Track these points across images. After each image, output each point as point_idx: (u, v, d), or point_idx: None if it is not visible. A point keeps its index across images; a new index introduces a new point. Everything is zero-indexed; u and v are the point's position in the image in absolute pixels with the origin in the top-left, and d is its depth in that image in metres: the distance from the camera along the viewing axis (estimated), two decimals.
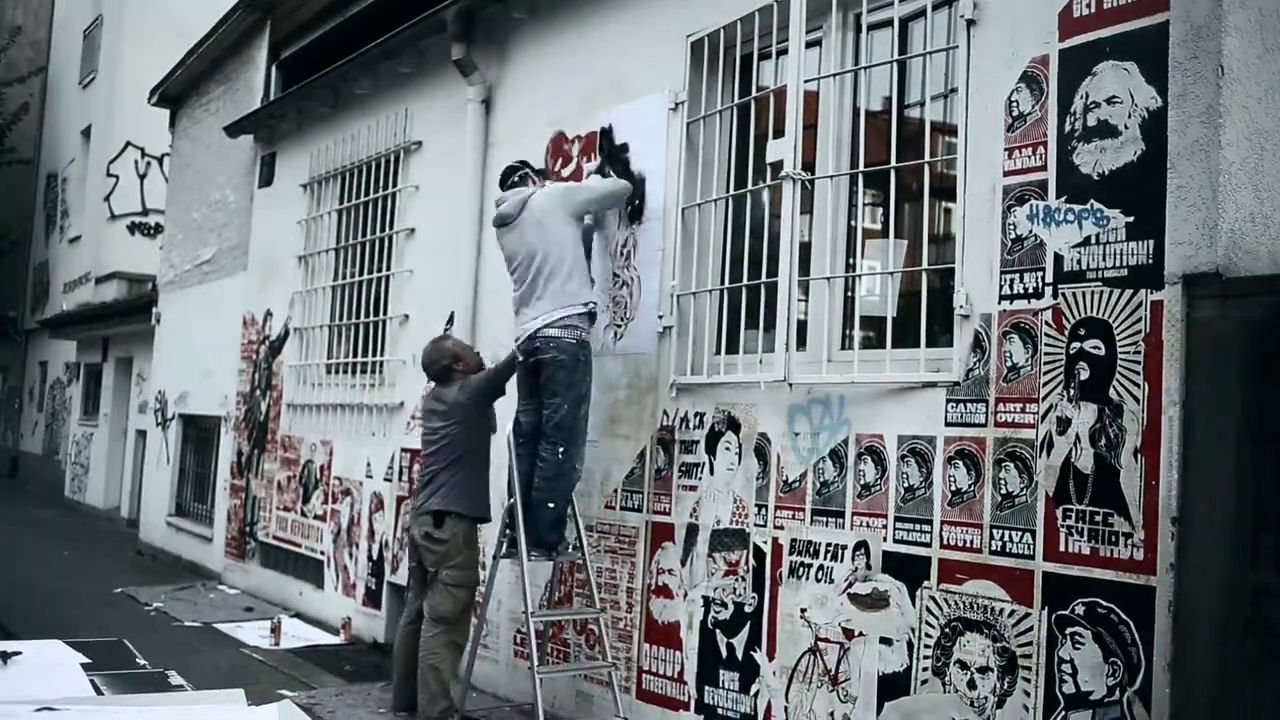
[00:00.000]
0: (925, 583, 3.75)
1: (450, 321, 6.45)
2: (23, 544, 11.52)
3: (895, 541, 3.88)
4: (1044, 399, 3.47)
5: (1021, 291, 3.57)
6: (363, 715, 5.50)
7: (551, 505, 4.89)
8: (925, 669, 3.72)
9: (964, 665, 3.61)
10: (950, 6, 3.95)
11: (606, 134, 5.46)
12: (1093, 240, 3.38)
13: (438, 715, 5.10)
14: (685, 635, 4.71)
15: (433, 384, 5.56)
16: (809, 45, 4.49)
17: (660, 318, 4.98)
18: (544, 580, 5.55)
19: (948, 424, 3.74)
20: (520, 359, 4.98)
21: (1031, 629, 3.43)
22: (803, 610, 4.18)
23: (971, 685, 3.58)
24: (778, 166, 4.46)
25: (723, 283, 4.86)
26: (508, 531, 5.10)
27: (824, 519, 4.14)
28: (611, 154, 5.41)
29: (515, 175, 5.24)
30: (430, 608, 5.22)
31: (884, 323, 4.11)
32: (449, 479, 5.24)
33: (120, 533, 13.07)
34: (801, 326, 4.42)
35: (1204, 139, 3.12)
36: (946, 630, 3.67)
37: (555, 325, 4.82)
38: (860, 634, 3.95)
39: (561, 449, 4.85)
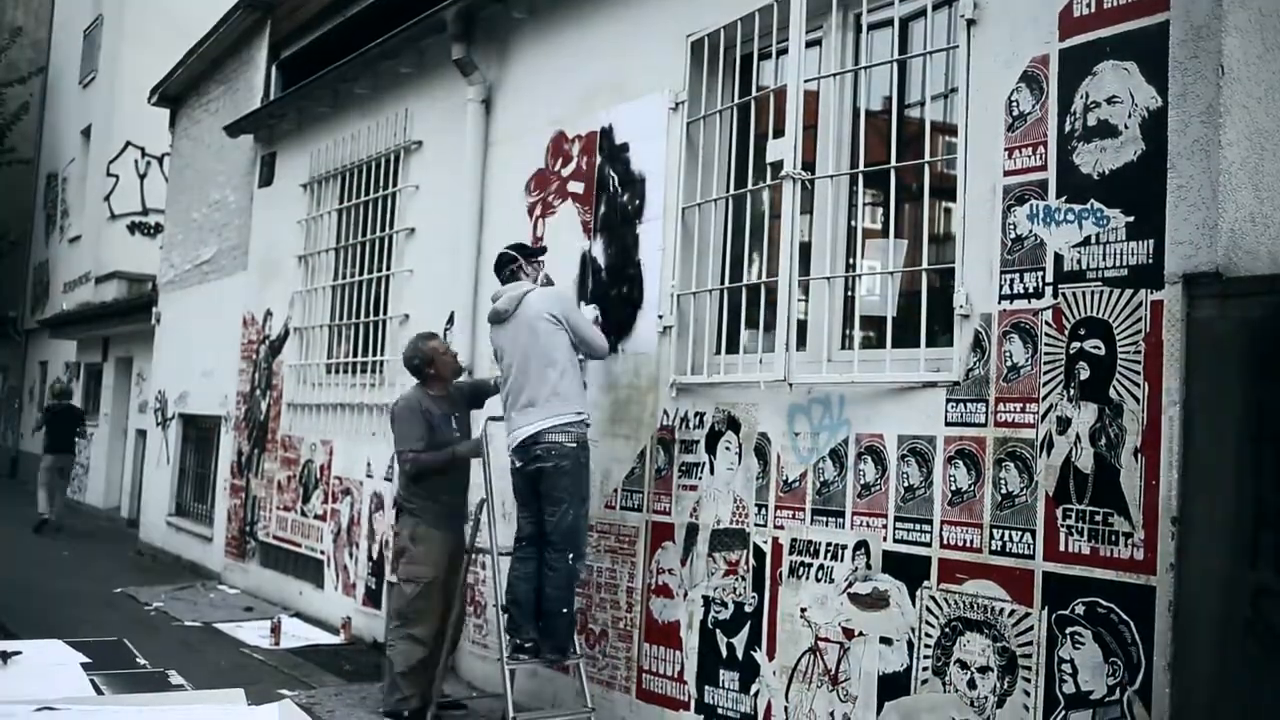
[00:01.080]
0: (925, 582, 3.75)
1: (450, 322, 6.45)
2: (23, 544, 11.52)
3: (895, 541, 3.88)
4: (1044, 399, 3.47)
5: (1021, 291, 3.57)
6: (362, 715, 5.50)
7: (566, 610, 4.77)
8: (925, 669, 3.72)
9: (964, 665, 3.61)
10: (950, 6, 3.95)
11: (606, 134, 5.45)
12: (1093, 240, 3.38)
13: (393, 706, 5.34)
14: (685, 635, 4.71)
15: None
16: (809, 45, 4.49)
17: (660, 317, 4.98)
18: None
19: (948, 424, 3.74)
20: (518, 465, 4.83)
21: (1031, 629, 3.43)
22: (803, 610, 4.18)
23: (971, 685, 3.58)
24: (778, 166, 4.46)
25: (723, 283, 4.86)
26: (509, 637, 4.86)
27: (824, 519, 4.14)
28: (612, 154, 5.41)
29: (510, 267, 5.08)
30: (391, 607, 5.56)
31: (884, 322, 4.11)
32: (405, 478, 5.52)
33: (120, 532, 13.07)
34: (801, 326, 4.42)
35: (1204, 139, 3.12)
36: (946, 630, 3.67)
37: (556, 430, 4.70)
38: (860, 634, 3.95)
39: (570, 554, 4.73)
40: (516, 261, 5.09)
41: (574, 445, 4.72)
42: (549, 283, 5.21)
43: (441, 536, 5.43)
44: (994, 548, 3.56)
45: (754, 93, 4.82)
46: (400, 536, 5.51)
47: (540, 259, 5.23)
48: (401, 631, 5.36)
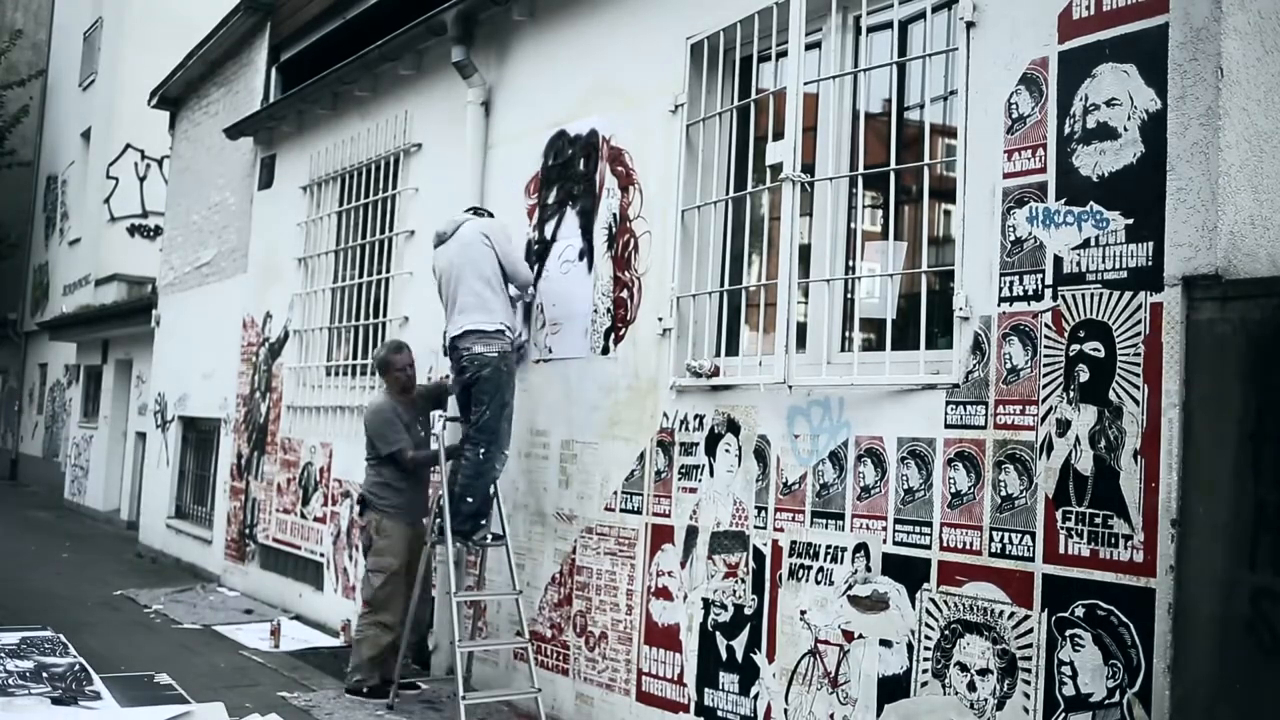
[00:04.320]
0: (925, 585, 3.75)
1: None
2: (23, 546, 11.51)
3: (895, 543, 3.88)
4: (1044, 401, 3.47)
5: (1021, 293, 3.57)
6: (360, 717, 5.50)
7: (470, 500, 5.32)
8: (925, 671, 3.72)
9: (964, 667, 3.61)
10: (950, 9, 3.95)
11: (606, 137, 5.45)
12: (1092, 242, 3.39)
13: (353, 684, 5.79)
14: (685, 637, 4.71)
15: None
16: (809, 47, 4.49)
17: (660, 319, 4.98)
18: (543, 583, 5.57)
19: (947, 426, 3.74)
20: (455, 375, 5.47)
21: (1031, 631, 3.43)
22: (803, 612, 4.18)
23: (971, 687, 3.58)
24: (777, 169, 4.46)
25: (722, 285, 4.86)
26: (437, 521, 5.47)
27: (824, 521, 4.14)
28: (612, 156, 5.41)
29: (474, 208, 5.73)
30: (361, 595, 5.93)
31: (884, 325, 4.11)
32: (371, 475, 5.97)
33: (120, 535, 13.06)
34: (801, 328, 4.42)
35: (1203, 141, 3.12)
36: (946, 632, 3.67)
37: (478, 339, 5.28)
38: (860, 636, 3.95)
39: (482, 450, 5.29)
40: (483, 213, 5.71)
41: (494, 355, 5.27)
42: None
43: (403, 529, 5.88)
44: (994, 550, 3.56)
45: (754, 95, 4.82)
46: (366, 530, 5.99)
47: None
48: (370, 619, 5.83)
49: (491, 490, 5.44)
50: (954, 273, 3.79)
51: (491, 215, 5.75)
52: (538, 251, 5.86)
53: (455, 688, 5.08)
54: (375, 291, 7.53)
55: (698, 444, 4.74)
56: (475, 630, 6.04)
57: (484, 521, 5.44)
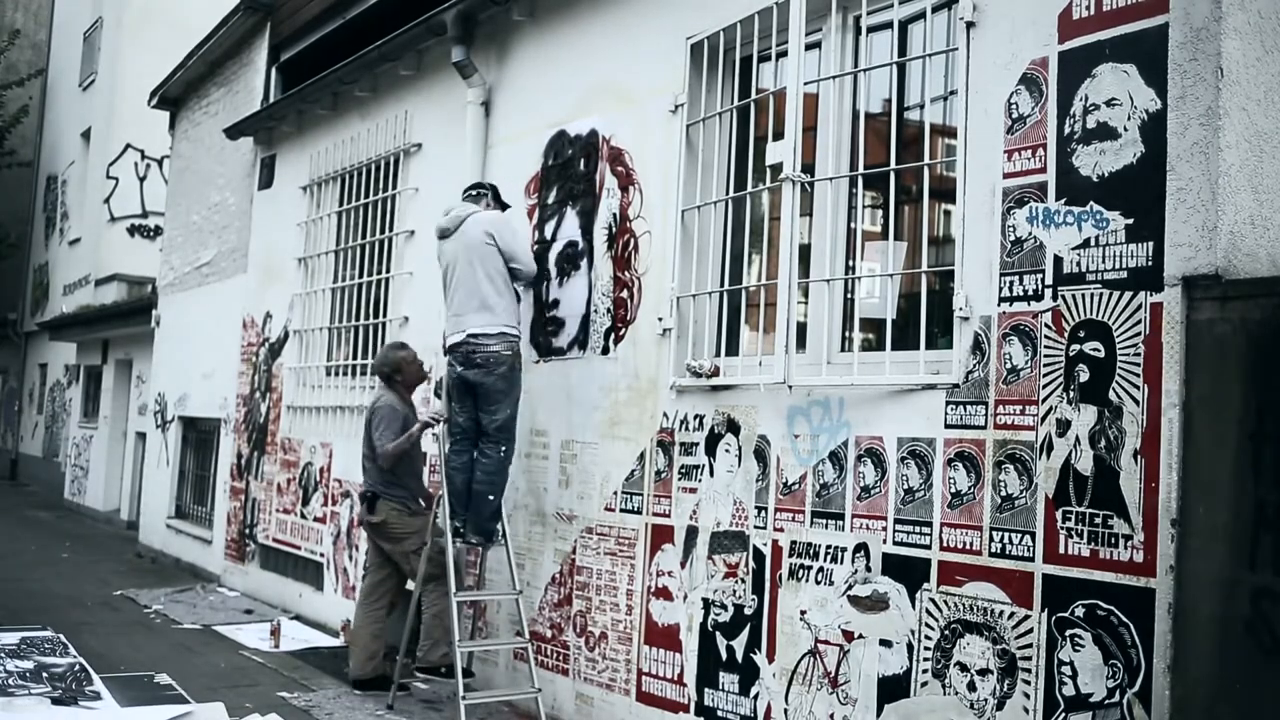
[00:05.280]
0: (925, 585, 3.75)
1: None
2: (23, 546, 11.52)
3: (895, 544, 3.88)
4: (1044, 401, 3.47)
5: (1021, 293, 3.57)
6: (360, 717, 5.50)
7: (492, 498, 5.36)
8: (925, 671, 3.72)
9: (964, 667, 3.61)
10: (950, 9, 3.96)
11: (606, 136, 5.46)
12: (1092, 242, 3.39)
13: (437, 660, 5.76)
14: (685, 637, 4.71)
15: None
16: (809, 47, 4.50)
17: (660, 319, 4.98)
18: (543, 583, 5.57)
19: (947, 426, 3.74)
20: (457, 370, 5.37)
21: (1031, 631, 3.43)
22: (803, 612, 4.18)
23: (971, 687, 3.58)
24: (777, 169, 4.46)
25: (722, 285, 4.86)
26: (454, 523, 5.44)
27: (824, 521, 4.14)
28: (612, 156, 5.41)
29: (474, 190, 5.66)
30: (418, 577, 5.77)
31: (884, 325, 4.11)
32: (374, 472, 6.07)
33: (120, 535, 13.06)
34: (801, 328, 4.42)
35: (1203, 141, 3.12)
36: (946, 632, 3.67)
37: (492, 339, 5.24)
38: (860, 636, 3.95)
39: (503, 448, 5.35)
40: (485, 194, 5.64)
41: (509, 354, 5.28)
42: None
43: (416, 516, 6.03)
44: (994, 550, 3.56)
45: (754, 95, 4.82)
46: (386, 524, 6.04)
47: (507, 209, 5.72)
48: (441, 589, 5.64)
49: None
50: (954, 273, 3.79)
51: (494, 191, 5.68)
52: (538, 252, 5.86)
53: (455, 688, 5.08)
54: (375, 291, 7.53)
55: (698, 444, 4.74)
56: (475, 630, 6.05)
57: (501, 521, 5.49)
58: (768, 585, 4.34)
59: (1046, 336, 3.49)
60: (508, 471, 5.44)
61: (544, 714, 5.13)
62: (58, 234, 19.73)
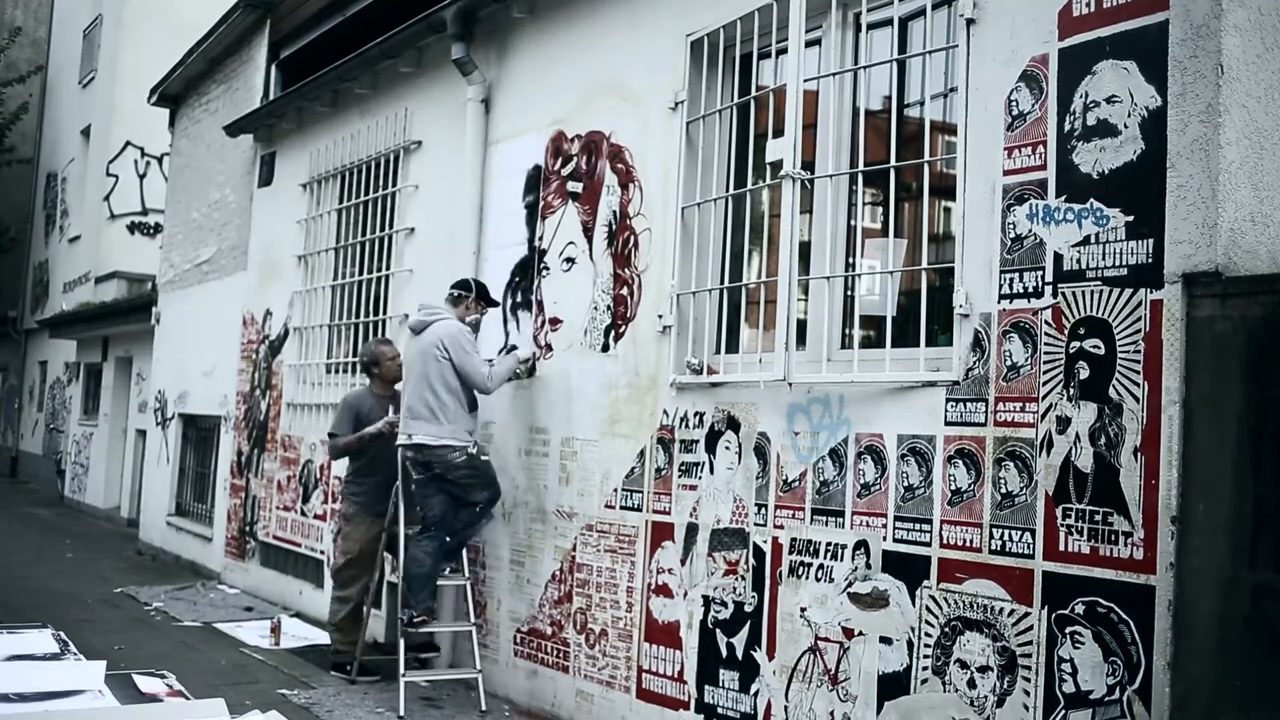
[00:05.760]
0: (925, 582, 3.76)
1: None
2: (23, 543, 11.52)
3: (895, 541, 3.88)
4: (1044, 398, 3.47)
5: (1021, 291, 3.57)
6: (361, 715, 5.51)
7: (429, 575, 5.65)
8: (925, 668, 3.72)
9: (964, 664, 3.61)
10: (950, 5, 3.95)
11: (606, 133, 5.45)
12: (1092, 239, 3.38)
13: (331, 659, 6.44)
14: (685, 635, 4.71)
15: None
16: (809, 44, 4.49)
17: (660, 317, 4.98)
18: (543, 580, 5.57)
19: (947, 423, 3.74)
20: (417, 473, 5.65)
21: (1031, 628, 3.43)
22: (803, 609, 4.18)
23: (971, 684, 3.58)
24: (777, 166, 4.46)
25: (722, 282, 4.86)
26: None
27: (824, 518, 4.14)
28: (611, 153, 5.41)
29: (458, 292, 5.80)
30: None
31: (884, 322, 4.11)
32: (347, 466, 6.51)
33: (120, 532, 13.06)
34: (801, 326, 4.42)
35: (1203, 138, 3.12)
36: (946, 629, 3.67)
37: (442, 449, 5.50)
38: (860, 633, 3.95)
39: (483, 517, 5.76)
40: (468, 296, 5.79)
41: (464, 458, 5.52)
42: (476, 326, 5.84)
43: (368, 517, 6.33)
44: (994, 547, 3.57)
45: (753, 92, 4.82)
46: (339, 517, 6.73)
47: (490, 308, 5.94)
48: (334, 594, 6.48)
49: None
50: (954, 270, 3.79)
51: (480, 290, 5.84)
52: (538, 250, 5.86)
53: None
54: (375, 289, 7.53)
55: (698, 441, 4.74)
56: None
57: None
58: (768, 582, 4.34)
59: (1046, 334, 3.49)
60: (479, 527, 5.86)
61: (483, 693, 5.60)
62: (58, 231, 19.72)
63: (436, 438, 5.50)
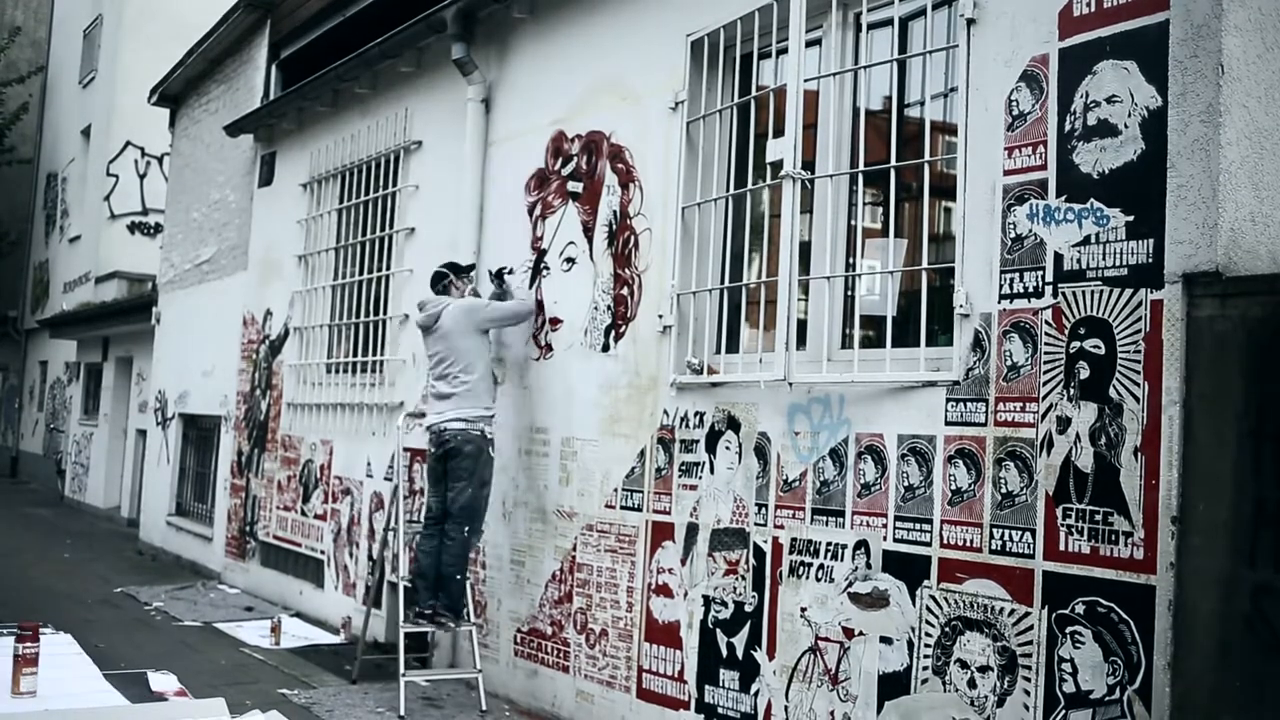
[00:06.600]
0: (925, 582, 3.76)
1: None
2: (23, 543, 11.52)
3: (895, 541, 3.88)
4: (1044, 398, 3.47)
5: (1021, 291, 3.57)
6: (362, 715, 5.51)
7: (459, 577, 5.61)
8: (925, 668, 3.72)
9: (964, 664, 3.61)
10: (950, 6, 3.95)
11: (606, 134, 5.46)
12: (1093, 239, 3.38)
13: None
14: (685, 634, 4.71)
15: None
16: (809, 44, 4.49)
17: (660, 317, 4.98)
18: (543, 580, 5.57)
19: (948, 423, 3.74)
20: (433, 451, 5.71)
21: (1031, 628, 3.43)
22: (803, 609, 4.18)
23: (972, 684, 3.58)
24: (777, 166, 4.46)
25: (723, 282, 4.86)
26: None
27: (824, 518, 4.14)
28: (612, 153, 5.41)
29: (442, 282, 5.94)
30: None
31: (884, 322, 4.11)
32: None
33: (120, 532, 13.07)
34: (801, 326, 4.42)
35: (1204, 138, 3.12)
36: (947, 629, 3.67)
37: (462, 420, 5.57)
38: (860, 633, 3.95)
39: (466, 528, 5.59)
40: (448, 278, 5.95)
41: (477, 434, 5.58)
42: (475, 294, 5.97)
43: None
44: (994, 547, 3.56)
45: (754, 92, 4.82)
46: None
47: (470, 274, 6.09)
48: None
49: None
50: (954, 270, 3.78)
51: (454, 268, 5.97)
52: (538, 250, 5.86)
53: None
54: (375, 289, 7.53)
55: (698, 441, 4.74)
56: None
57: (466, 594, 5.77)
58: (768, 582, 4.34)
59: (1047, 334, 3.49)
60: (471, 551, 5.73)
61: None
62: (58, 231, 19.72)
63: (469, 410, 5.58)
